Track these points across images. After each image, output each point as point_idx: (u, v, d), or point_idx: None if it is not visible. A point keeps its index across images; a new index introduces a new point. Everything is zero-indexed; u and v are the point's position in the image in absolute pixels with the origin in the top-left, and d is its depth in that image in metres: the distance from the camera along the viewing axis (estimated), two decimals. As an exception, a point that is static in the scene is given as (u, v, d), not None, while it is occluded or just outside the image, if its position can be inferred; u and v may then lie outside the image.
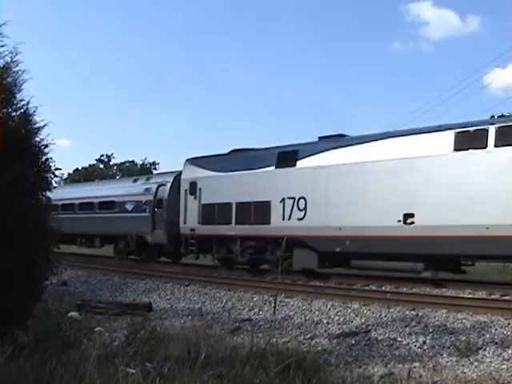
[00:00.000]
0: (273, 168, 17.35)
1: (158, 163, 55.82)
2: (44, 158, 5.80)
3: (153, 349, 5.60)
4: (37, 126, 5.67)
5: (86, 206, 26.23)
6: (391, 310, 10.73)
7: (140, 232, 22.23)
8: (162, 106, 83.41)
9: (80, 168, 55.71)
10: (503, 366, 7.22)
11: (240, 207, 18.05)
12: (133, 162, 56.71)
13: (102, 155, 57.87)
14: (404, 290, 13.29)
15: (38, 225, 5.48)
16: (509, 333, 8.72)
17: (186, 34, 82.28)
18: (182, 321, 11.38)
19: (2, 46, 5.50)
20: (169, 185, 21.67)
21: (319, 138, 17.41)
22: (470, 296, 12.02)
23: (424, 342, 8.55)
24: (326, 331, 9.85)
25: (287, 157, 17.04)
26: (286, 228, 16.36)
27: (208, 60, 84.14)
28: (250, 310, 12.09)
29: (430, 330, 9.20)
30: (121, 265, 21.07)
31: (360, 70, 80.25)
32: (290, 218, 16.53)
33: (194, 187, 19.86)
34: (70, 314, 6.97)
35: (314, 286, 14.38)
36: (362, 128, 76.95)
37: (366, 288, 13.94)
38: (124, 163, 57.10)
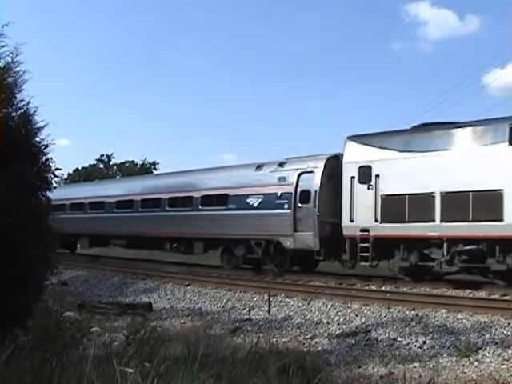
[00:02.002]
0: (505, 145, 13.05)
1: (158, 163, 55.86)
2: (44, 157, 5.81)
3: (153, 349, 5.61)
4: (37, 126, 5.70)
5: (182, 202, 20.59)
6: (391, 310, 10.74)
7: (273, 234, 16.91)
8: (162, 106, 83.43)
9: (80, 168, 55.75)
10: (503, 366, 7.23)
11: (448, 199, 13.58)
12: (133, 161, 56.72)
13: (102, 155, 57.84)
14: (404, 289, 13.28)
15: (38, 225, 5.48)
16: (509, 333, 8.73)
17: (188, 33, 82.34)
18: (182, 321, 11.40)
19: (3, 46, 5.53)
20: (319, 171, 16.36)
21: None
22: (470, 296, 12.01)
23: (424, 342, 8.57)
24: (325, 331, 9.86)
25: None
26: None
27: (206, 60, 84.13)
28: (250, 309, 12.10)
29: (430, 329, 9.21)
30: (121, 265, 21.02)
31: (360, 68, 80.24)
32: None
33: (366, 173, 15.16)
34: (65, 314, 6.97)
35: (314, 286, 14.37)
36: (362, 127, 77.04)
37: (366, 288, 13.92)
38: (124, 163, 57.09)
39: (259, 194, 17.68)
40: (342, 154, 16.02)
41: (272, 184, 17.41)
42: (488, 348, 8.00)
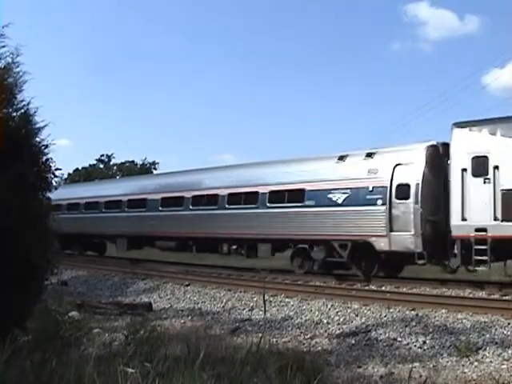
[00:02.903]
0: None
1: (158, 163, 55.95)
2: (44, 158, 5.81)
3: (152, 349, 5.61)
4: (37, 126, 5.70)
5: (244, 199, 18.25)
6: (391, 310, 10.74)
7: (361, 235, 14.89)
8: (162, 106, 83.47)
9: (80, 168, 55.77)
10: (503, 366, 7.24)
11: None
12: (133, 161, 56.78)
13: (102, 155, 57.90)
14: (404, 290, 13.28)
15: (38, 225, 5.48)
16: (509, 333, 8.73)
17: (188, 33, 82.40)
18: (182, 321, 11.40)
19: (3, 46, 5.54)
20: (420, 163, 14.33)
21: None
22: (470, 296, 12.01)
23: (424, 342, 8.57)
24: (325, 331, 9.86)
25: None
26: None
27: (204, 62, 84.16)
28: (250, 310, 12.10)
29: (430, 330, 9.21)
30: (121, 265, 20.96)
31: (359, 68, 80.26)
32: None
33: (481, 165, 13.21)
34: (70, 314, 6.99)
35: (314, 286, 14.37)
36: (361, 127, 77.17)
37: (366, 288, 13.91)
38: (124, 163, 57.14)
39: (345, 189, 15.46)
40: (444, 144, 14.43)
41: (360, 177, 15.25)
42: (488, 348, 8.00)
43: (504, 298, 11.54)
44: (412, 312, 10.49)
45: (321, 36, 79.14)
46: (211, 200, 19.19)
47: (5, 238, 4.87)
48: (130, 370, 3.66)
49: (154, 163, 56.00)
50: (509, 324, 9.15)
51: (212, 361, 4.72)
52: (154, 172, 51.80)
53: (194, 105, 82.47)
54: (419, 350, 8.32)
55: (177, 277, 16.99)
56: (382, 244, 14.43)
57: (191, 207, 20.01)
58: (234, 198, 18.48)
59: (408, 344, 8.59)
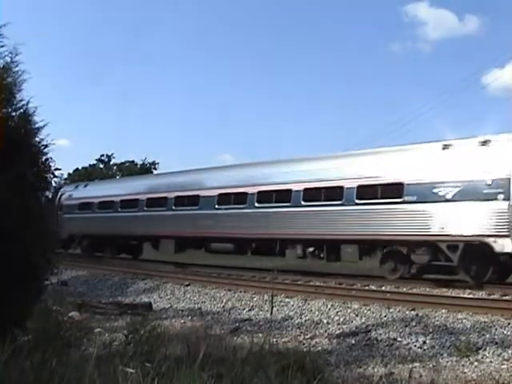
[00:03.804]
0: None
1: (158, 163, 55.93)
2: (44, 158, 5.81)
3: (152, 349, 5.61)
4: (36, 126, 5.69)
5: (325, 194, 16.41)
6: (391, 310, 10.73)
7: (477, 234, 13.06)
8: (163, 106, 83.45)
9: (80, 168, 55.77)
10: (503, 366, 7.23)
11: None
12: (133, 161, 56.78)
13: (102, 155, 57.89)
14: (404, 289, 13.27)
15: (38, 225, 5.48)
16: (509, 333, 8.72)
17: (188, 34, 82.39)
18: (182, 321, 11.40)
19: (2, 46, 5.53)
20: None
21: None
22: (470, 296, 12.01)
23: (424, 342, 8.56)
24: (325, 331, 9.86)
25: None
26: None
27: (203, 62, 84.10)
28: (250, 310, 12.10)
29: (430, 329, 9.20)
30: (120, 264, 20.96)
31: (359, 68, 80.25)
32: None
33: None
34: (70, 314, 6.99)
35: (314, 286, 14.37)
36: (359, 127, 77.10)
37: (366, 288, 13.91)
38: (124, 163, 57.14)
39: (455, 182, 13.52)
40: None
41: (475, 168, 13.39)
42: (488, 348, 7.99)
43: (504, 298, 11.54)
44: (412, 312, 10.48)
45: (321, 36, 79.13)
46: (282, 196, 17.30)
47: (5, 238, 4.87)
48: (130, 370, 3.66)
49: (153, 163, 56.02)
50: (509, 324, 9.15)
51: (212, 361, 4.72)
52: (154, 172, 51.78)
53: (193, 105, 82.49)
54: (419, 350, 8.31)
55: (177, 277, 16.99)
56: (502, 245, 12.64)
57: (257, 205, 18.10)
58: (312, 194, 16.59)
59: (408, 344, 8.58)
